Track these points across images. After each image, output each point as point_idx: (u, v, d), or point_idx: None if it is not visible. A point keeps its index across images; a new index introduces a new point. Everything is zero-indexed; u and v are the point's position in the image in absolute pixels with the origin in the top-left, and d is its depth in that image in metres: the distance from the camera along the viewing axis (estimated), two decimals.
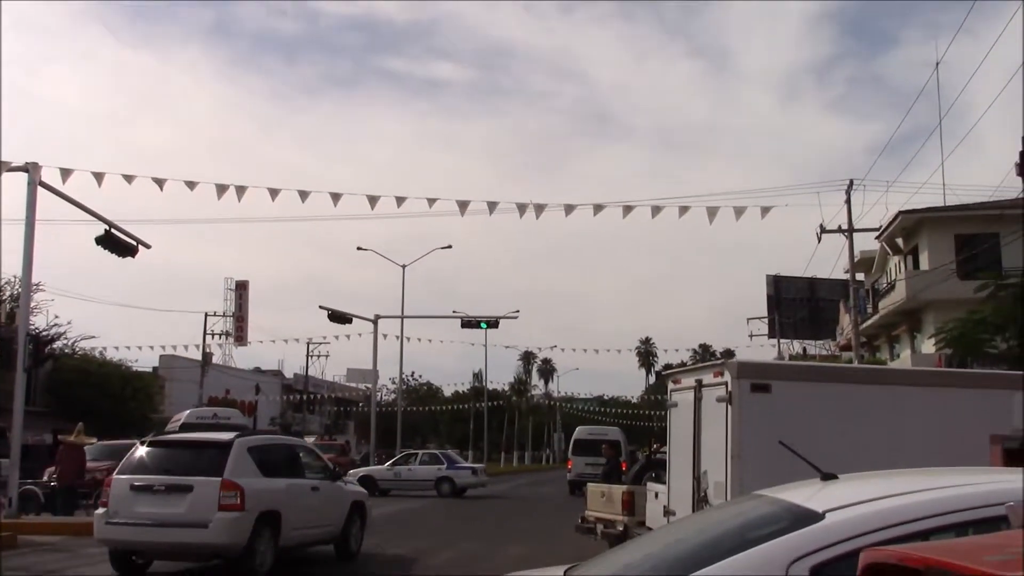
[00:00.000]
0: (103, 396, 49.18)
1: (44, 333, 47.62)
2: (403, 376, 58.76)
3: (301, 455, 15.49)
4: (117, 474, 13.56)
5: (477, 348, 63.56)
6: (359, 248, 49.81)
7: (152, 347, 56.59)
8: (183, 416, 30.46)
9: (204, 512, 12.74)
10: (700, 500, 10.60)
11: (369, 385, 64.56)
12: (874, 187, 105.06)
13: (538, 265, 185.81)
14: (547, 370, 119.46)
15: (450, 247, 51.55)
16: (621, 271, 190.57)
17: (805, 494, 3.76)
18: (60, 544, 17.76)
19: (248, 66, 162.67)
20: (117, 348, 55.65)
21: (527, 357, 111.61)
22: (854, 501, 3.44)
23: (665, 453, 13.77)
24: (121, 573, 13.58)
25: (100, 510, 13.31)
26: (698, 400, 11.14)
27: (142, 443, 14.25)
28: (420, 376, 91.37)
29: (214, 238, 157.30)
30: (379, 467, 38.21)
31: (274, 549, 13.55)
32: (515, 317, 49.85)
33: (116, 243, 22.79)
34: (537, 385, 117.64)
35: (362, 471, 37.03)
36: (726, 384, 10.26)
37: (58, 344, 49.80)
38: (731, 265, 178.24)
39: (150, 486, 13.05)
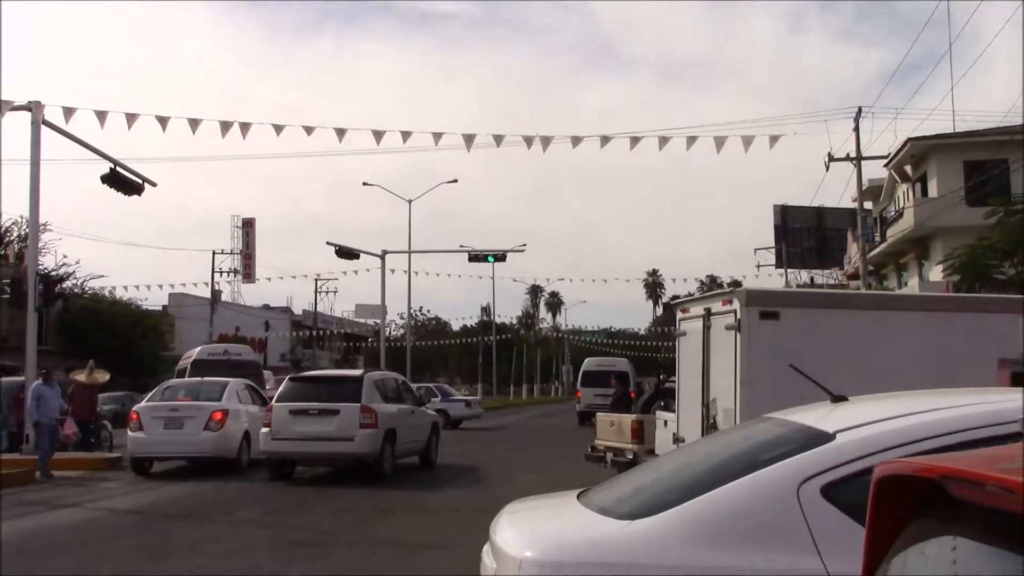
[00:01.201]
0: (114, 335, 49.50)
1: (53, 273, 47.78)
2: (411, 311, 58.90)
3: (401, 387, 20.31)
4: (276, 402, 17.92)
5: (485, 282, 63.91)
6: (365, 184, 49.65)
7: (161, 286, 57.07)
8: (194, 353, 30.61)
9: (349, 429, 17.33)
10: (709, 427, 10.67)
11: (378, 320, 64.79)
12: (883, 114, 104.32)
13: (545, 199, 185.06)
14: (555, 303, 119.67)
15: (456, 181, 51.35)
16: (628, 204, 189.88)
17: (815, 416, 3.76)
18: (78, 479, 18.07)
19: (245, 3, 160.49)
20: (126, 288, 56.14)
21: (535, 290, 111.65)
22: (865, 422, 3.43)
23: (674, 383, 13.87)
24: (275, 477, 17.84)
25: (264, 430, 17.71)
26: (707, 329, 11.17)
27: (290, 379, 19.22)
28: (428, 311, 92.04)
29: (219, 177, 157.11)
30: None
31: (392, 457, 18.20)
32: (522, 250, 49.66)
33: (122, 181, 22.74)
34: (545, 318, 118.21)
35: None
36: (735, 312, 10.28)
37: (67, 284, 50.00)
38: (738, 196, 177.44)
39: (305, 410, 17.53)
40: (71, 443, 20.40)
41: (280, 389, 18.65)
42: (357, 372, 19.51)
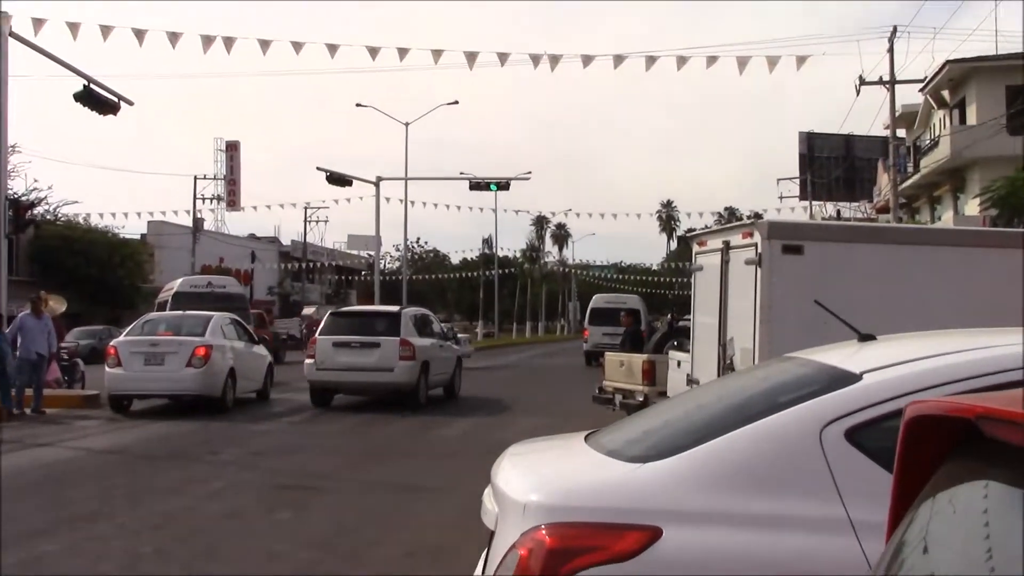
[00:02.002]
0: (89, 264, 49.56)
1: (23, 198, 47.64)
2: (408, 242, 58.93)
3: (432, 322, 23.06)
4: (319, 335, 20.65)
5: (487, 213, 63.38)
6: (358, 105, 49.23)
7: (139, 213, 56.67)
8: (175, 285, 30.70)
9: (389, 361, 20.02)
10: (726, 368, 10.72)
11: (371, 252, 64.83)
12: (919, 34, 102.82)
13: (553, 124, 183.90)
14: (561, 236, 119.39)
15: (456, 103, 50.92)
16: (642, 131, 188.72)
17: (840, 355, 3.76)
18: (53, 417, 18.23)
19: None
20: (102, 215, 55.69)
21: (540, 222, 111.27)
22: (893, 362, 3.43)
23: (688, 321, 13.90)
24: (317, 405, 20.47)
25: (308, 361, 20.52)
26: (725, 263, 11.18)
27: (331, 314, 22.00)
28: (426, 243, 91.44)
29: (201, 96, 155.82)
30: None
31: (427, 388, 20.94)
32: (527, 178, 49.64)
33: (96, 100, 22.55)
34: (551, 252, 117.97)
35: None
36: (755, 245, 10.26)
37: (39, 210, 49.83)
38: (761, 123, 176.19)
39: (348, 343, 20.24)
40: (55, 387, 20.50)
41: (323, 323, 21.48)
42: (394, 308, 22.35)
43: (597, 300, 42.80)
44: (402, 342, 20.11)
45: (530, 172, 53.03)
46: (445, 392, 22.96)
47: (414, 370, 20.20)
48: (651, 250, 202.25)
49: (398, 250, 77.59)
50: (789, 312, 9.72)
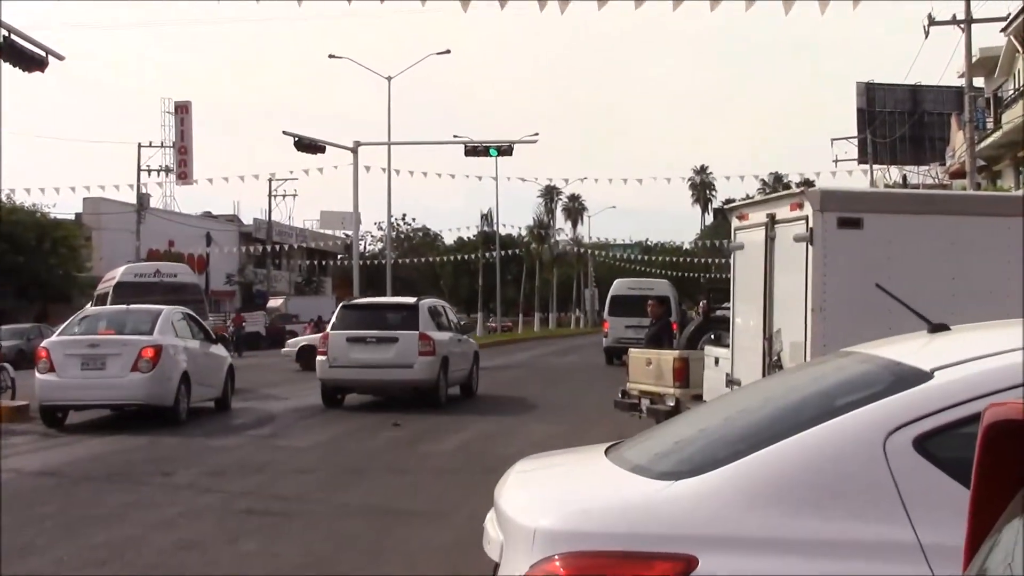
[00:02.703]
0: (15, 251, 49.58)
1: None
2: (392, 219, 58.99)
3: (449, 314, 25.20)
4: (331, 330, 22.38)
5: (486, 183, 63.28)
6: (332, 56, 49.31)
7: (74, 188, 56.23)
8: (117, 273, 30.70)
9: (408, 357, 21.67)
10: (772, 365, 10.77)
11: (349, 232, 64.90)
12: None
13: (564, 78, 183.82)
14: (575, 209, 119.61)
15: (448, 52, 50.91)
16: (671, 83, 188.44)
17: (907, 349, 3.77)
18: None
19: None
20: (28, 190, 55.99)
21: (549, 193, 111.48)
22: (970, 357, 3.44)
23: (727, 310, 13.97)
24: (328, 405, 22.09)
25: (321, 358, 22.13)
26: (770, 240, 11.24)
27: (343, 306, 23.87)
28: (414, 220, 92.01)
29: (145, 49, 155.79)
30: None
31: (447, 385, 22.69)
32: (533, 141, 49.59)
33: (19, 54, 22.52)
34: (563, 229, 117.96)
35: (303, 340, 38.03)
36: (806, 219, 10.31)
37: None
38: (811, 73, 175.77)
39: (363, 338, 21.96)
40: None
41: (334, 317, 23.28)
42: (411, 300, 23.89)
43: (619, 286, 42.78)
44: (421, 336, 21.77)
45: (537, 134, 53.13)
46: (462, 391, 24.57)
47: (434, 366, 21.87)
48: (682, 225, 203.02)
49: (381, 229, 77.84)
50: (846, 298, 9.76)
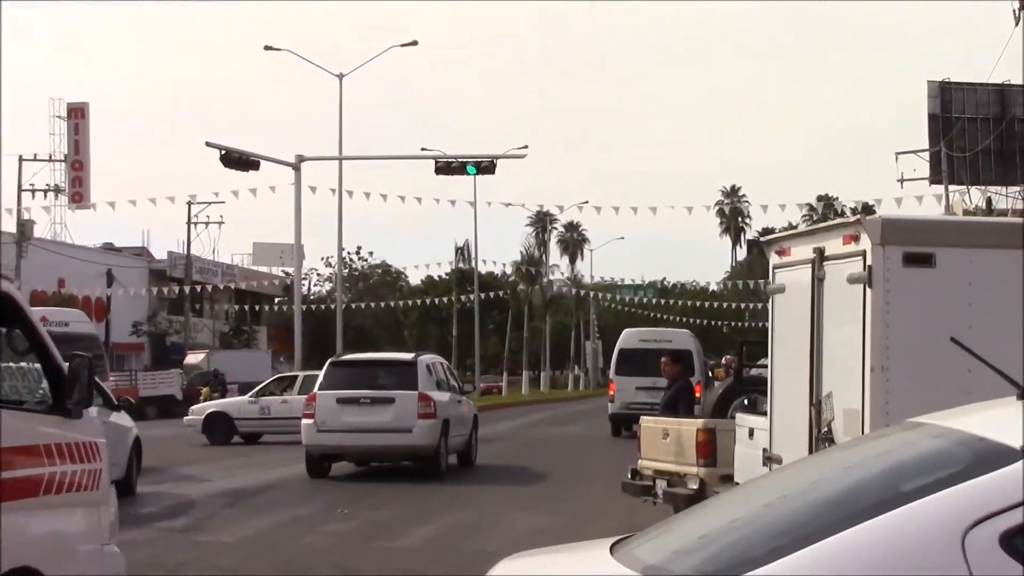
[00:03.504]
0: None
1: None
2: (344, 254, 58.92)
3: (448, 372, 28.10)
4: (319, 390, 24.48)
5: (462, 209, 63.33)
6: (268, 48, 49.45)
7: None
8: None
9: (407, 420, 23.58)
10: (821, 438, 10.76)
11: (289, 270, 64.85)
12: None
13: (560, 76, 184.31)
14: (574, 241, 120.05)
15: (415, 44, 51.19)
16: (690, 85, 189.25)
17: (992, 420, 3.81)
18: None
19: None
20: None
21: (541, 221, 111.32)
22: None
23: (764, 367, 13.99)
24: (314, 476, 24.11)
25: (307, 421, 24.04)
26: (818, 281, 11.26)
27: (331, 363, 26.03)
28: (371, 254, 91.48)
29: (30, 32, 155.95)
30: (238, 400, 38.94)
31: (447, 452, 24.94)
32: (521, 156, 49.69)
33: None
34: (558, 265, 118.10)
35: (211, 406, 38.24)
36: (863, 255, 10.32)
37: None
38: (870, 72, 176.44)
39: (356, 399, 24.05)
40: None
41: (322, 376, 25.56)
42: (408, 356, 26.86)
43: (628, 337, 42.64)
44: (421, 396, 23.91)
45: (526, 147, 53.06)
46: (459, 459, 26.88)
47: (435, 430, 23.95)
48: (708, 261, 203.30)
49: (330, 266, 77.78)
50: (915, 354, 9.80)
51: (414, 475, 23.18)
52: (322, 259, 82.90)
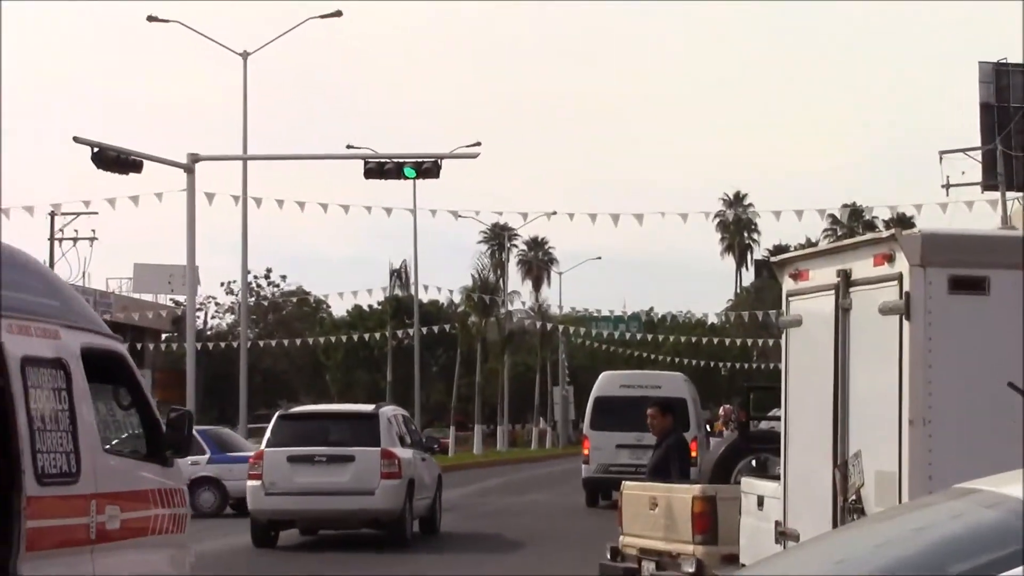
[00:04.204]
0: None
1: None
2: (251, 277, 58.85)
3: (410, 426, 30.18)
4: (267, 447, 25.93)
5: (399, 222, 63.30)
6: (153, 19, 49.27)
7: None
8: None
9: (369, 480, 25.20)
10: (848, 508, 10.78)
11: (180, 298, 64.64)
12: None
13: (523, 58, 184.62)
14: (539, 262, 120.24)
15: (339, 15, 51.15)
16: (684, 65, 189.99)
17: None
18: None
19: None
20: None
21: (498, 236, 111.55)
22: None
23: (776, 420, 14.25)
24: (259, 546, 25.46)
25: (253, 483, 25.35)
26: (843, 312, 11.28)
27: (280, 417, 27.60)
28: (284, 279, 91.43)
29: None
30: None
31: (412, 516, 26.56)
32: (473, 156, 49.68)
33: None
34: (518, 292, 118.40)
35: None
36: (900, 278, 10.38)
37: None
38: (907, 48, 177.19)
39: (309, 457, 25.60)
40: None
41: (270, 431, 26.87)
42: (367, 407, 28.49)
43: (607, 383, 42.69)
44: (384, 454, 25.57)
45: (479, 144, 52.99)
46: (422, 525, 28.56)
47: (400, 491, 25.62)
48: (707, 287, 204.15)
49: (232, 292, 77.76)
50: (963, 403, 9.81)
51: (375, 544, 24.32)
52: (222, 285, 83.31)
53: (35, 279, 11.49)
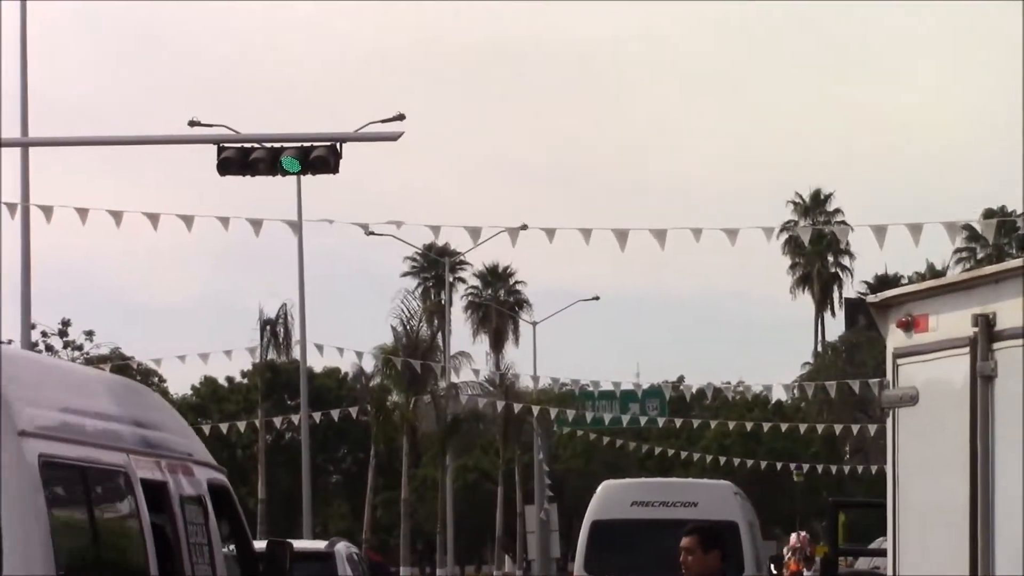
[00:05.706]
0: None
1: None
2: (36, 330, 58.76)
3: (364, 566, 37.66)
4: None
5: (275, 239, 62.81)
6: None
7: None
8: None
9: None
10: None
11: None
12: None
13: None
14: (500, 305, 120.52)
15: None
16: (725, 16, 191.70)
17: None
18: None
19: None
20: None
21: (435, 266, 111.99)
22: None
23: (883, 554, 14.27)
24: None
25: None
26: (983, 380, 11.12)
27: None
28: (91, 335, 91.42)
29: None
30: None
31: None
32: (394, 138, 49.66)
33: None
34: (467, 354, 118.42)
35: None
36: None
37: None
38: None
39: None
40: None
41: None
42: (319, 544, 32.71)
43: (611, 498, 43.03)
44: None
45: (401, 117, 52.59)
46: None
47: None
48: (769, 341, 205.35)
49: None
50: None
51: None
52: None
53: (168, 417, 16.17)
